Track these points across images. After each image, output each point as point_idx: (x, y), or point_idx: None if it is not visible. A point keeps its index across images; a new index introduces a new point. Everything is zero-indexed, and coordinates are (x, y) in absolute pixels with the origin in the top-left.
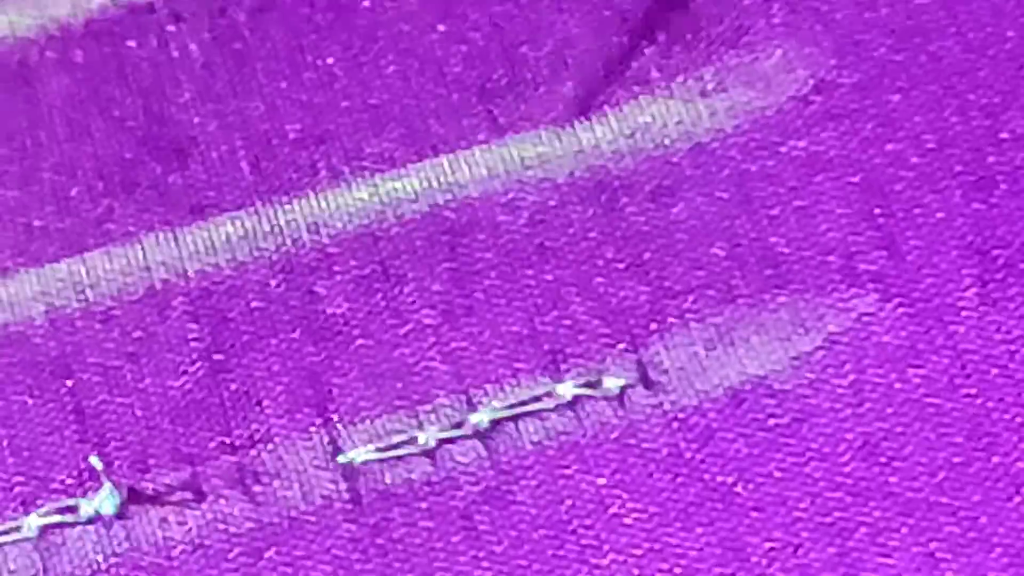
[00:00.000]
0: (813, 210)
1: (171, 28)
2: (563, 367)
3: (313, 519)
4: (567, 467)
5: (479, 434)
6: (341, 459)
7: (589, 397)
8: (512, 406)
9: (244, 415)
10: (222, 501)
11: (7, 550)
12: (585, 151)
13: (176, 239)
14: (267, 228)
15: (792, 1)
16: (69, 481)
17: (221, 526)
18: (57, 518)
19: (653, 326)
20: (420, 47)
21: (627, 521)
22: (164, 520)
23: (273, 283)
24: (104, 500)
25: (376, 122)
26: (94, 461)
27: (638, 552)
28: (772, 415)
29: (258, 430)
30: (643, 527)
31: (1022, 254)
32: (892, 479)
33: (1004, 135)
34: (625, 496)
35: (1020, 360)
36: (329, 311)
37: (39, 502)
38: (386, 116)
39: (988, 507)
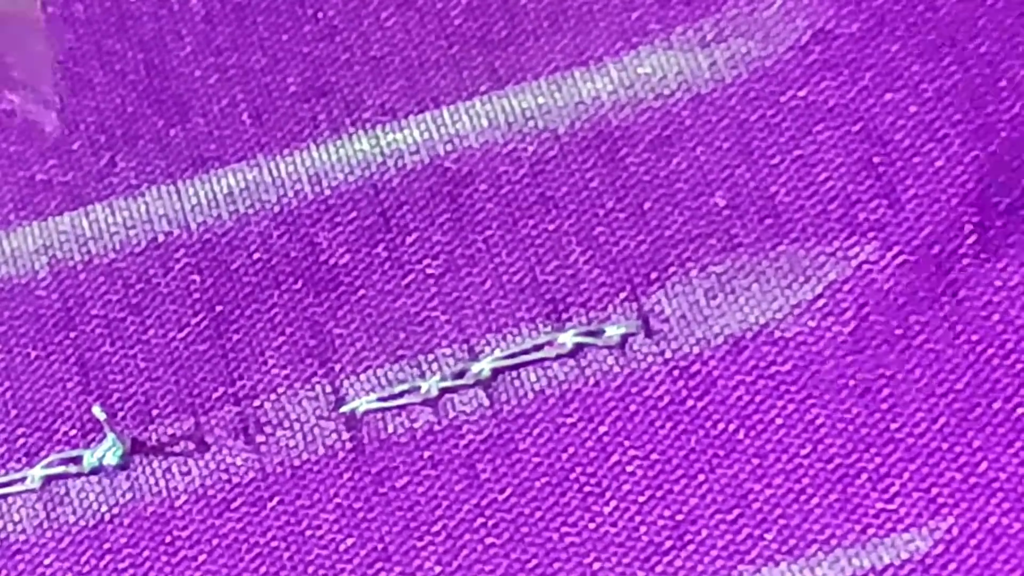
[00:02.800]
0: (813, 159)
1: None
2: (564, 316)
3: (316, 468)
4: (569, 415)
5: (481, 383)
6: (344, 409)
7: (590, 346)
8: (514, 355)
9: (247, 366)
10: (225, 451)
11: (11, 501)
12: (585, 102)
13: (178, 192)
14: (268, 180)
15: None
16: (72, 432)
17: (224, 476)
18: (61, 469)
19: (654, 275)
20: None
21: (629, 468)
22: (168, 470)
23: (275, 234)
24: (108, 451)
25: (377, 74)
26: (97, 412)
27: (640, 499)
28: (773, 363)
29: (261, 380)
30: (645, 474)
31: (1021, 201)
32: (893, 425)
33: (1002, 84)
34: (627, 444)
35: (1020, 307)
36: (331, 262)
37: (43, 453)
38: (386, 68)
39: (989, 452)
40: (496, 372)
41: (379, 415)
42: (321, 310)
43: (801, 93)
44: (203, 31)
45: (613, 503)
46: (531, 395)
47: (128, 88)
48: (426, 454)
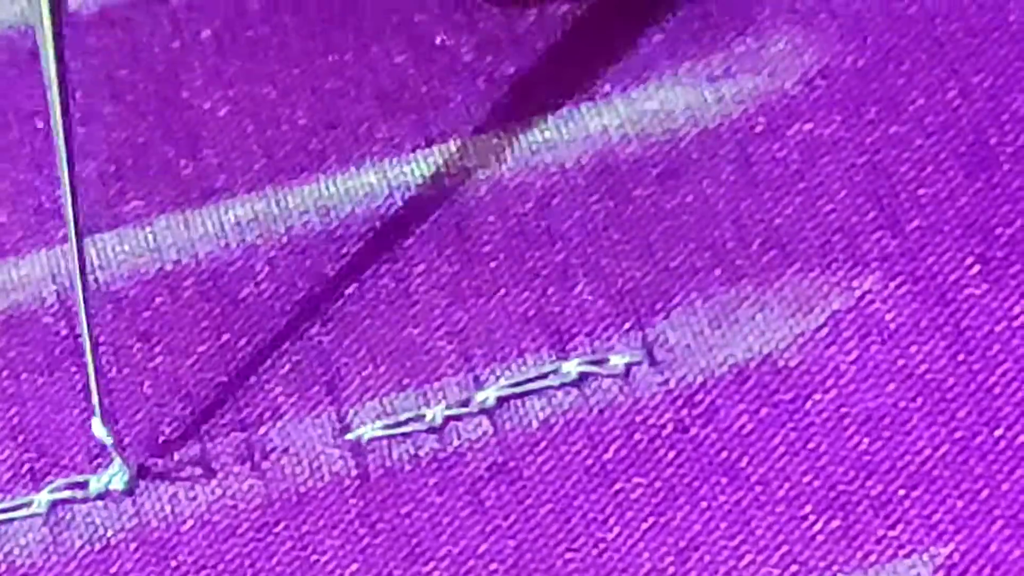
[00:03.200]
0: (818, 191)
1: (183, 14)
2: (569, 346)
3: (321, 495)
4: (573, 443)
5: (486, 411)
6: (349, 436)
7: (595, 375)
8: (518, 384)
9: (253, 393)
10: (231, 477)
11: (17, 525)
12: (592, 136)
13: (187, 221)
14: (277, 211)
15: None
16: (79, 458)
17: (230, 502)
18: (67, 494)
19: (658, 305)
20: (431, 35)
21: (632, 496)
22: (174, 496)
23: (282, 264)
24: (114, 476)
25: (385, 108)
26: (103, 435)
27: (644, 526)
28: (776, 391)
29: (267, 407)
30: (648, 501)
31: (1023, 233)
32: (895, 453)
33: (1005, 117)
34: (631, 471)
35: (1022, 337)
36: (338, 292)
37: (49, 478)
38: (395, 102)
39: (990, 480)
40: (501, 400)
41: (384, 442)
42: (328, 339)
43: (807, 127)
44: (214, 63)
45: (616, 530)
46: (535, 423)
47: (139, 118)
48: (431, 481)
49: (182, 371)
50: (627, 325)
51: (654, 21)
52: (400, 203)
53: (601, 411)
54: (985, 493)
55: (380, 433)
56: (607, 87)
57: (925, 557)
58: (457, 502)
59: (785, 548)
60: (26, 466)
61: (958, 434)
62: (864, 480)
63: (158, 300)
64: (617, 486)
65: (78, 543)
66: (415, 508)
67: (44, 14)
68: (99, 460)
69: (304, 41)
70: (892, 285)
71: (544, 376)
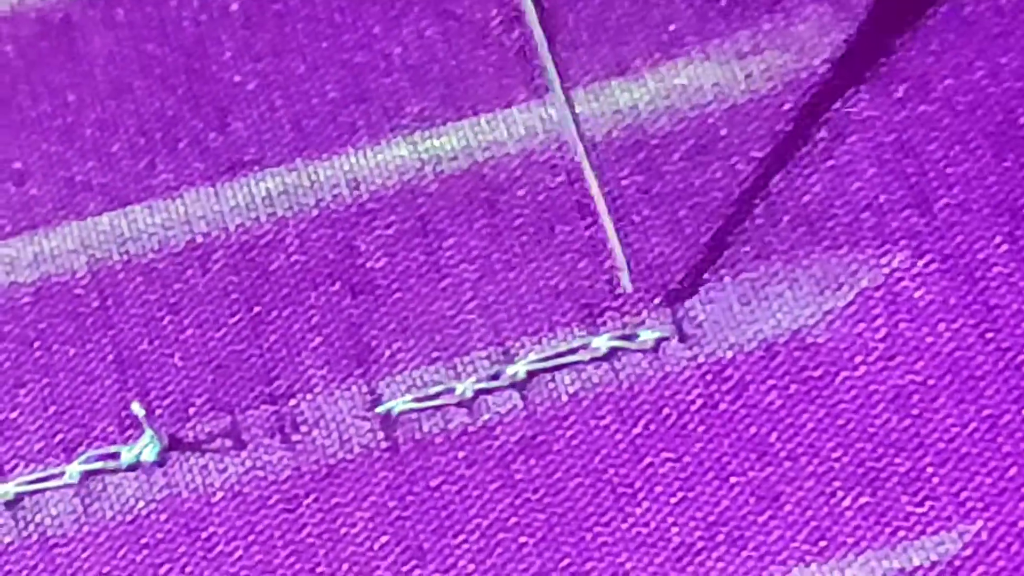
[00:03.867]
0: (846, 169)
1: None
2: (599, 321)
3: (351, 467)
4: (603, 417)
5: (516, 385)
6: (379, 409)
7: (625, 350)
8: (548, 358)
9: (283, 366)
10: (261, 449)
11: (49, 496)
12: (622, 111)
13: (216, 194)
14: (307, 184)
15: None
16: (110, 429)
17: (260, 474)
18: (99, 465)
19: (688, 281)
20: (459, 8)
21: (661, 470)
22: (204, 467)
23: (312, 237)
24: (145, 447)
25: (415, 81)
26: (136, 408)
27: (672, 500)
28: (805, 368)
29: (297, 380)
30: (677, 476)
31: None
32: (924, 430)
33: None
34: (660, 446)
35: None
36: (368, 265)
37: (81, 449)
38: (425, 75)
39: (1019, 457)
40: (531, 374)
41: (414, 415)
42: (358, 312)
43: (835, 105)
44: (243, 36)
45: (646, 504)
46: (565, 397)
47: (168, 92)
48: (461, 454)
49: (212, 343)
50: (657, 300)
51: None
52: (430, 176)
53: (631, 386)
54: (1013, 471)
55: (410, 406)
56: (637, 62)
57: (954, 534)
58: (487, 475)
59: (814, 524)
60: (58, 437)
61: (986, 411)
62: (893, 457)
63: (188, 272)
64: (646, 461)
65: (109, 514)
66: (445, 481)
67: None
68: (130, 431)
69: (332, 14)
70: (920, 263)
71: (574, 351)
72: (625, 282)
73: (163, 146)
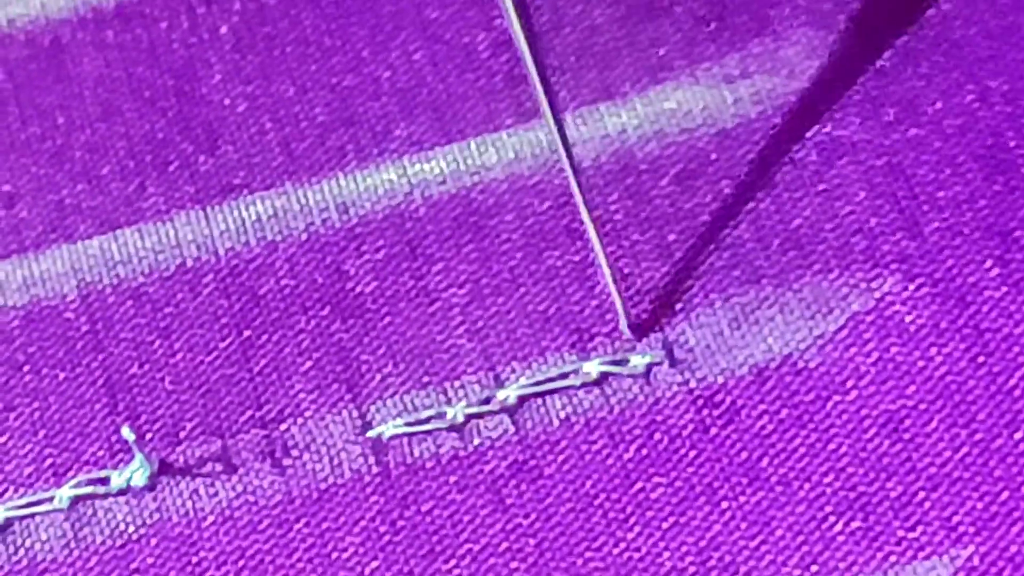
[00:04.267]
0: (836, 192)
1: (202, 10)
2: (590, 345)
3: (342, 492)
4: (594, 442)
5: (507, 410)
6: (370, 433)
7: (616, 375)
8: (539, 383)
9: (274, 390)
10: (252, 474)
11: (39, 520)
12: (611, 136)
13: (207, 217)
14: (296, 208)
15: None
16: (100, 453)
17: (251, 498)
18: (89, 489)
19: (679, 306)
20: (448, 32)
21: (653, 495)
22: (195, 492)
23: (302, 261)
24: (135, 472)
25: (404, 105)
26: (126, 433)
27: (664, 525)
28: (796, 392)
29: (288, 404)
30: (668, 501)
31: None
32: (915, 455)
33: (1023, 119)
34: (651, 471)
35: None
36: (358, 289)
37: (71, 474)
38: (414, 99)
39: (1010, 482)
40: (522, 399)
41: (405, 440)
42: (348, 336)
43: (825, 128)
44: (233, 59)
45: (637, 529)
46: (556, 422)
47: (158, 114)
48: (452, 479)
49: (202, 367)
50: (647, 325)
51: (672, 21)
52: (419, 200)
53: (622, 411)
54: (1005, 495)
55: (401, 431)
56: (625, 86)
57: (945, 559)
58: (478, 500)
59: (805, 549)
60: (48, 461)
61: (978, 436)
62: (884, 481)
63: (178, 296)
64: (638, 486)
65: (99, 538)
66: (436, 506)
67: None
68: (120, 456)
69: (322, 38)
70: (911, 287)
71: (565, 375)
72: (624, 327)
73: (153, 169)
